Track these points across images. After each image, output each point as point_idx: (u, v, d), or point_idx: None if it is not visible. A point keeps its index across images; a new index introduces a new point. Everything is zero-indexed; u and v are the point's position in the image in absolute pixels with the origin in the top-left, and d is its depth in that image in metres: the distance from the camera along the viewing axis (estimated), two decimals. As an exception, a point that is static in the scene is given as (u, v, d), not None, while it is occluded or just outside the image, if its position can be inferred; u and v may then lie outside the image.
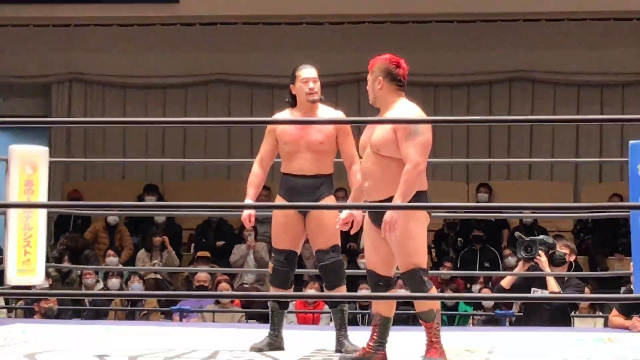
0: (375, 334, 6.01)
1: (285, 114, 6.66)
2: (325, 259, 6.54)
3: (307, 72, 6.58)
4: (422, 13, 15.17)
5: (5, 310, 11.15)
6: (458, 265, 13.37)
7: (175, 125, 16.03)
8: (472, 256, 13.57)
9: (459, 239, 13.88)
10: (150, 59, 15.82)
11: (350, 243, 13.01)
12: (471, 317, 11.47)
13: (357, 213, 6.37)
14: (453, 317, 11.53)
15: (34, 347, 6.68)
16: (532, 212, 12.78)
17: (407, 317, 10.81)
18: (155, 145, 16.04)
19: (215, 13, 15.48)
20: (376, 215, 5.89)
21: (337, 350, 6.46)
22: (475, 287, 12.28)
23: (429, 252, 13.81)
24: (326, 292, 6.71)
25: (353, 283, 10.43)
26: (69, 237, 13.70)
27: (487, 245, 13.68)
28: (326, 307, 11.02)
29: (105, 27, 15.84)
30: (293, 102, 6.63)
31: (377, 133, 5.87)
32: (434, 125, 15.53)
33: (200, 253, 13.22)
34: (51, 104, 16.20)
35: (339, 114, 6.62)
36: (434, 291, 6.04)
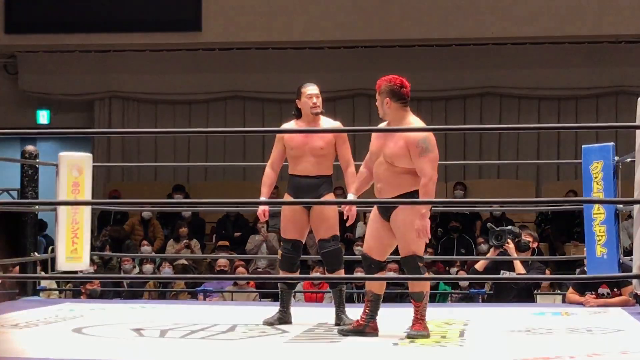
0: (367, 308, 6.00)
1: (292, 124, 6.66)
2: (326, 246, 6.54)
3: (311, 89, 6.57)
4: (406, 39, 15.18)
5: (56, 292, 11.14)
6: (438, 251, 13.36)
7: (198, 135, 16.01)
8: (450, 244, 13.56)
9: (439, 229, 13.85)
10: (177, 79, 15.81)
11: (347, 233, 12.99)
12: (450, 295, 11.44)
13: (354, 208, 6.39)
14: (434, 295, 11.51)
15: (80, 322, 6.68)
16: (501, 206, 12.78)
17: (395, 295, 10.80)
18: (182, 151, 16.03)
19: (232, 40, 15.48)
20: (384, 209, 5.89)
21: (337, 324, 6.45)
22: (453, 270, 12.26)
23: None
24: (327, 275, 6.70)
25: (350, 267, 10.42)
26: (112, 229, 13.71)
27: (462, 235, 13.66)
28: (328, 287, 11.02)
29: (139, 52, 15.85)
30: (298, 114, 6.62)
31: (390, 147, 5.82)
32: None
33: (220, 242, 13.21)
34: (94, 118, 16.20)
35: (337, 124, 6.63)
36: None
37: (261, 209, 6.63)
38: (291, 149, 6.54)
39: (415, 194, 5.80)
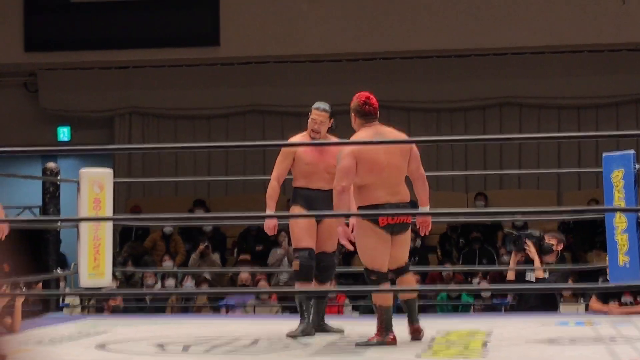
0: (382, 323, 6.02)
1: (300, 137, 6.74)
2: (331, 259, 6.69)
3: (315, 113, 6.72)
4: (424, 49, 15.17)
5: (79, 308, 11.18)
6: (460, 262, 13.34)
7: (218, 149, 16.05)
8: (471, 254, 13.53)
9: (461, 240, 13.84)
10: (197, 93, 15.86)
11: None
12: (472, 306, 11.43)
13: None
14: (457, 306, 11.50)
15: (104, 338, 6.71)
16: (522, 216, 12.75)
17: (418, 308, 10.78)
18: (202, 166, 16.06)
19: (251, 54, 15.52)
20: None
21: (321, 330, 6.56)
22: (475, 281, 12.24)
23: (435, 252, 13.80)
24: (318, 285, 6.76)
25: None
26: (130, 245, 13.74)
27: (484, 245, 13.64)
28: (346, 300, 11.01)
29: (159, 67, 15.91)
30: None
31: None
32: (438, 145, 15.44)
33: (242, 256, 13.22)
34: (114, 134, 16.26)
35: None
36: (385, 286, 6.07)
37: (272, 223, 6.69)
38: (305, 164, 6.61)
39: (358, 209, 6.07)
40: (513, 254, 8.44)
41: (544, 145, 15.34)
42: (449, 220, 13.40)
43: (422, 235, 6.39)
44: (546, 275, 8.20)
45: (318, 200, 6.59)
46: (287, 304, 11.01)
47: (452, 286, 11.80)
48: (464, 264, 13.23)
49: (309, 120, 6.70)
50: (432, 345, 6.03)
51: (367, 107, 6.10)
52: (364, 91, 6.21)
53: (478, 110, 15.65)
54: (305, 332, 6.60)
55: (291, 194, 6.80)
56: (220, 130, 16.01)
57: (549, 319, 7.55)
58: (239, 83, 15.77)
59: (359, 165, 5.97)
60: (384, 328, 6.01)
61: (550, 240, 8.47)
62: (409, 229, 6.20)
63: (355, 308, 11.74)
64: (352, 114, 6.13)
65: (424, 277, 12.36)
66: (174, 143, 15.61)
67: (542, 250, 8.33)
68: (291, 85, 15.44)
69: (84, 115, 16.20)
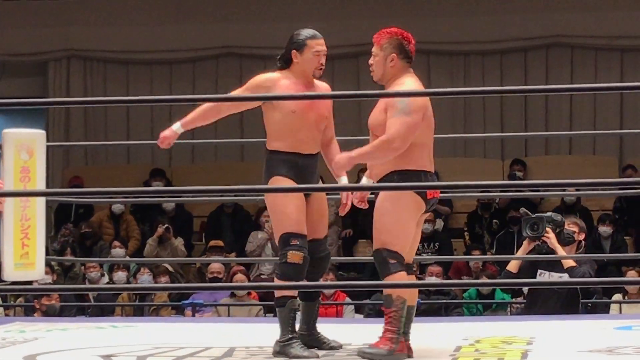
0: (392, 322, 5.92)
1: (277, 76, 6.53)
2: (324, 249, 6.47)
3: (321, 45, 6.42)
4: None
5: (1, 308, 11.19)
6: (494, 249, 13.33)
7: (183, 104, 15.98)
8: (508, 239, 13.51)
9: (495, 221, 13.83)
10: (155, 31, 15.80)
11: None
12: (509, 305, 11.45)
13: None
14: (489, 306, 11.52)
15: (34, 347, 6.71)
16: (574, 190, 12.75)
17: (439, 307, 10.82)
18: (162, 126, 15.87)
19: (225, -23, 15.52)
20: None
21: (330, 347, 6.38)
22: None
23: (461, 236, 13.81)
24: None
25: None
26: (69, 228, 13.74)
27: (524, 227, 13.62)
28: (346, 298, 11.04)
29: (105, -3, 15.88)
30: (285, 67, 6.53)
31: (372, 114, 6.07)
32: (466, 97, 15.44)
33: (213, 242, 13.22)
34: (48, 83, 16.22)
35: (326, 87, 6.61)
36: (400, 277, 5.89)
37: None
38: (292, 112, 6.37)
39: (398, 173, 5.93)
40: (526, 242, 8.45)
41: (603, 98, 15.32)
42: (479, 195, 13.38)
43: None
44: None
45: (309, 171, 6.33)
46: (271, 303, 11.03)
47: (483, 280, 11.81)
48: (499, 251, 13.24)
49: (309, 56, 6.41)
50: (457, 356, 6.04)
51: (411, 45, 6.18)
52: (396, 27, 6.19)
53: (518, 53, 15.62)
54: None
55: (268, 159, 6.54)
56: (185, 78, 15.99)
57: (607, 322, 7.57)
58: (210, 17, 15.73)
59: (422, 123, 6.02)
60: (397, 331, 5.91)
61: (570, 227, 8.45)
62: None
63: (359, 310, 11.75)
64: (394, 54, 6.10)
65: (446, 269, 12.37)
66: (125, 95, 15.59)
67: (561, 239, 8.33)
68: (279, 20, 15.36)
69: (9, 59, 16.15)
